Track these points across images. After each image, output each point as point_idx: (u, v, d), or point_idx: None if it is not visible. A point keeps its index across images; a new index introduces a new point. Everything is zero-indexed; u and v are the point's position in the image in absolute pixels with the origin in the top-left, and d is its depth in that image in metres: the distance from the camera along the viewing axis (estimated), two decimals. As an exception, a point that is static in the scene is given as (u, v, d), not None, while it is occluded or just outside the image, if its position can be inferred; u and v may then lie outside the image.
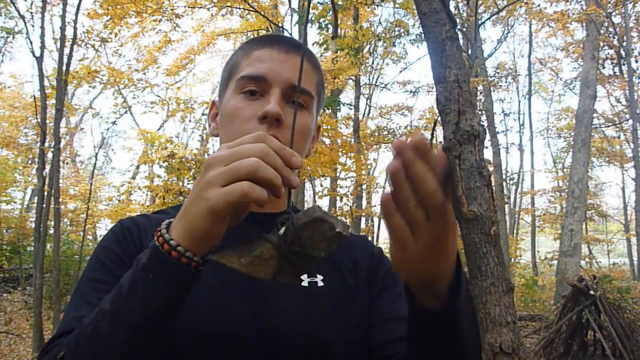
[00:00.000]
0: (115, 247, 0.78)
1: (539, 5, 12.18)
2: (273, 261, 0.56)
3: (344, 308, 0.80)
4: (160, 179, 9.33)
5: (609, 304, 6.31)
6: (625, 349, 5.95)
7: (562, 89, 19.14)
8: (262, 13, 8.96)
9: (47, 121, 8.34)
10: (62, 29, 8.07)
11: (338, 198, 11.51)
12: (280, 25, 10.20)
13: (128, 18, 8.54)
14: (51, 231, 8.68)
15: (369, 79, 17.17)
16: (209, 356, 0.71)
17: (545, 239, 20.79)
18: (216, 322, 0.73)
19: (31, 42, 8.63)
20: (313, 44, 9.95)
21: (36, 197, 9.84)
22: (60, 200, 8.52)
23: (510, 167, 24.53)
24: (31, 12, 8.96)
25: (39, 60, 8.16)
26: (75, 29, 8.09)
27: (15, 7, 8.95)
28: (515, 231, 19.20)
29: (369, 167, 14.73)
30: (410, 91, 17.95)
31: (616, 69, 13.75)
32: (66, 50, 8.04)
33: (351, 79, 12.14)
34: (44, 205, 7.94)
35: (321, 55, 9.74)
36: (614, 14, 11.79)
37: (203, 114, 10.94)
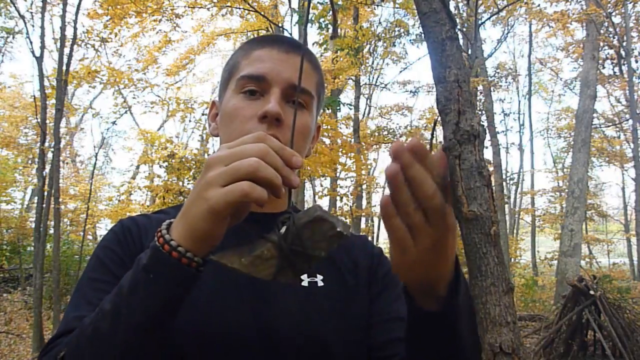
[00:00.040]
0: (115, 247, 0.78)
1: (539, 5, 12.19)
2: (274, 261, 0.56)
3: (344, 308, 0.80)
4: (160, 179, 9.33)
5: (609, 304, 6.31)
6: (625, 349, 5.95)
7: (562, 89, 19.17)
8: (262, 13, 8.96)
9: (47, 121, 8.34)
10: (62, 29, 8.07)
11: (338, 198, 11.51)
12: (280, 25, 10.20)
13: (128, 18, 8.54)
14: (51, 231, 8.68)
15: (369, 79, 17.17)
16: (209, 356, 0.71)
17: (545, 239, 20.79)
18: (216, 322, 0.73)
19: (31, 42, 8.64)
20: (313, 44, 9.96)
21: (36, 197, 9.84)
22: (60, 200, 8.52)
23: (510, 167, 24.54)
24: (31, 12, 8.97)
25: (39, 60, 8.17)
26: (75, 29, 8.09)
27: (15, 7, 8.95)
28: (515, 231, 19.19)
29: (369, 167, 14.73)
30: (410, 91, 17.96)
31: (616, 69, 13.75)
32: (66, 50, 8.04)
33: (351, 79, 12.14)
34: (44, 205, 7.94)
35: (321, 55, 9.74)
36: (614, 14, 11.79)
37: (203, 114, 10.94)
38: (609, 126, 17.93)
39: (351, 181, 11.85)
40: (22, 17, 8.69)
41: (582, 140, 10.28)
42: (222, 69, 0.92)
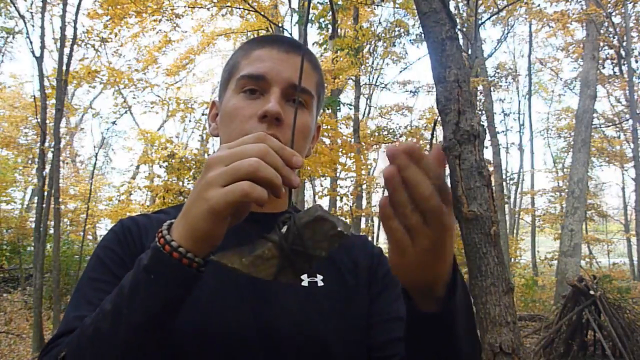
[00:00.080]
0: (115, 247, 0.78)
1: (539, 5, 12.20)
2: (274, 261, 0.56)
3: (343, 308, 0.81)
4: (160, 179, 9.33)
5: (609, 304, 6.32)
6: (625, 349, 5.95)
7: (562, 89, 19.17)
8: (262, 13, 8.96)
9: (47, 121, 8.35)
10: (62, 29, 8.08)
11: (338, 198, 11.52)
12: (280, 25, 10.20)
13: (128, 18, 8.54)
14: (51, 231, 8.68)
15: (369, 79, 17.18)
16: (210, 356, 0.71)
17: (545, 239, 20.79)
18: (217, 322, 0.73)
19: (31, 42, 8.65)
20: (313, 44, 9.96)
21: (36, 197, 9.84)
22: (60, 200, 8.52)
23: (510, 167, 24.56)
24: (31, 12, 8.97)
25: (39, 60, 8.17)
26: (75, 29, 8.10)
27: (15, 7, 8.96)
28: (515, 231, 19.20)
29: (369, 167, 14.72)
30: (410, 91, 17.96)
31: (616, 69, 13.76)
32: (66, 50, 8.05)
33: (351, 79, 12.15)
34: (44, 205, 7.94)
35: (321, 55, 9.74)
36: (614, 14, 11.79)
37: (203, 114, 10.94)
38: (609, 126, 17.94)
39: (351, 181, 11.87)
40: (22, 17, 8.69)
41: (582, 140, 10.29)
42: (222, 69, 0.92)
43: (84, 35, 8.63)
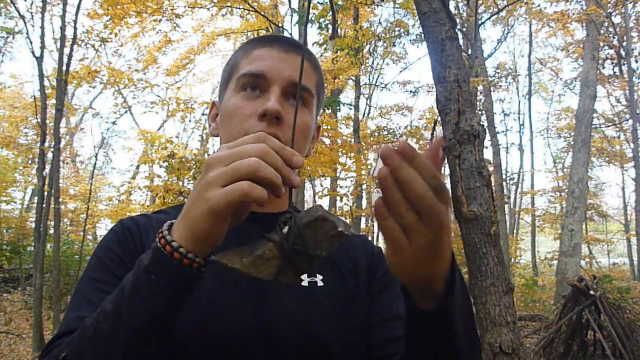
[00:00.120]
0: (115, 247, 0.78)
1: (539, 5, 12.20)
2: (275, 261, 0.56)
3: (343, 308, 0.81)
4: (160, 179, 9.33)
5: (609, 304, 6.32)
6: (625, 349, 5.95)
7: (562, 89, 19.19)
8: (262, 13, 8.96)
9: (47, 121, 8.35)
10: (62, 29, 8.08)
11: (338, 198, 11.52)
12: (280, 25, 10.21)
13: (128, 18, 8.54)
14: (51, 231, 8.68)
15: (369, 79, 17.17)
16: (210, 356, 0.71)
17: (545, 239, 20.80)
18: (217, 322, 0.73)
19: (31, 42, 8.67)
20: (313, 44, 9.96)
21: (36, 197, 9.84)
22: (60, 200, 8.52)
23: (510, 167, 24.58)
24: (31, 12, 8.97)
25: (39, 60, 8.17)
26: (75, 29, 8.11)
27: (15, 7, 8.96)
28: (515, 231, 19.20)
29: (369, 167, 14.71)
30: (410, 91, 17.96)
31: (616, 69, 13.76)
32: (66, 50, 8.05)
33: (351, 79, 12.15)
34: (44, 205, 7.95)
35: (321, 55, 9.75)
36: (614, 14, 11.80)
37: (203, 114, 10.95)
38: (609, 126, 17.94)
39: (351, 181, 11.86)
40: (22, 17, 8.69)
41: (582, 140, 10.29)
42: (222, 69, 0.92)
43: (84, 35, 8.64)
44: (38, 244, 7.83)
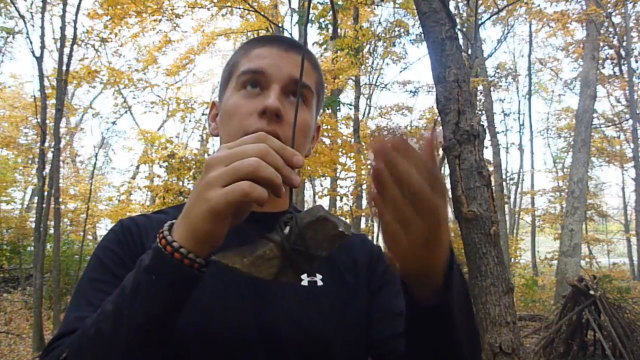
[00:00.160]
0: (115, 247, 0.78)
1: (539, 5, 12.20)
2: (276, 261, 0.56)
3: (343, 306, 0.81)
4: (160, 179, 9.33)
5: (609, 304, 6.32)
6: (625, 349, 5.95)
7: (562, 89, 19.19)
8: (262, 13, 8.96)
9: (47, 121, 8.35)
10: (62, 29, 8.08)
11: (338, 198, 11.52)
12: (280, 25, 10.21)
13: (128, 18, 8.54)
14: (51, 231, 8.68)
15: (369, 79, 17.17)
16: (211, 356, 0.71)
17: (545, 239, 20.79)
18: (217, 322, 0.73)
19: (31, 42, 8.69)
20: (313, 44, 9.96)
21: (36, 197, 9.84)
22: (60, 200, 8.52)
23: (510, 167, 24.60)
24: (31, 12, 8.97)
25: (39, 60, 8.17)
26: (75, 29, 8.11)
27: (15, 7, 8.96)
28: (515, 231, 19.20)
29: (369, 167, 14.71)
30: (410, 91, 17.96)
31: (616, 69, 13.76)
32: (66, 50, 8.05)
33: (351, 79, 12.14)
34: (44, 205, 7.95)
35: (321, 55, 9.75)
36: (614, 14, 11.79)
37: (203, 114, 10.95)
38: (609, 126, 17.94)
39: (351, 181, 11.85)
40: (22, 17, 8.69)
41: (582, 140, 10.29)
42: (222, 69, 0.92)
43: (84, 35, 8.64)
44: (38, 244, 7.83)
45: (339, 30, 9.47)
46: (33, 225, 9.65)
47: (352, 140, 10.25)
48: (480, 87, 11.65)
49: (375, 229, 16.17)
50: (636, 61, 12.48)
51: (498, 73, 16.91)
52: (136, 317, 0.57)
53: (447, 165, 3.04)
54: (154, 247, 0.58)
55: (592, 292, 6.34)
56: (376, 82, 18.00)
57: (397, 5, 11.70)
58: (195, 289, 0.59)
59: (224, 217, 0.55)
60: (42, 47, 8.29)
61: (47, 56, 12.17)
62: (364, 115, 16.24)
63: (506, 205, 16.32)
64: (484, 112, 12.17)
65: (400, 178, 0.49)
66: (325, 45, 9.91)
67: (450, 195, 2.87)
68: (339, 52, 9.19)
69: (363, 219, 14.79)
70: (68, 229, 14.82)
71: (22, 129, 15.73)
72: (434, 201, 0.50)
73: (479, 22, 10.20)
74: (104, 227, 15.22)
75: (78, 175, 17.97)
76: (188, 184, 8.99)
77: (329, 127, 8.62)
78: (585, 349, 6.49)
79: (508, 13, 13.54)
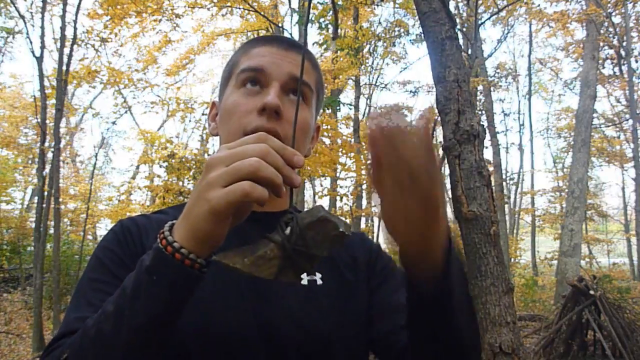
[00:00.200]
0: (115, 247, 0.78)
1: (539, 5, 12.20)
2: (276, 261, 0.56)
3: (343, 304, 0.81)
4: (160, 179, 9.33)
5: (609, 304, 6.32)
6: (625, 349, 5.95)
7: (562, 89, 19.19)
8: (262, 13, 8.96)
9: (47, 121, 8.36)
10: (62, 29, 8.09)
11: (338, 198, 11.51)
12: (280, 25, 10.21)
13: (128, 18, 8.54)
14: (51, 231, 8.69)
15: (369, 79, 17.16)
16: (211, 356, 0.71)
17: (545, 239, 20.79)
18: (218, 322, 0.73)
19: (31, 42, 8.71)
20: (313, 44, 9.96)
21: (36, 197, 9.84)
22: (60, 200, 8.53)
23: (510, 167, 24.61)
24: (31, 12, 8.98)
25: (39, 60, 8.18)
26: (75, 29, 8.12)
27: (15, 7, 8.96)
28: (515, 231, 19.20)
29: (369, 167, 14.70)
30: (410, 91, 17.97)
31: (616, 69, 13.77)
32: (66, 50, 8.06)
33: (351, 79, 12.15)
34: (44, 205, 7.95)
35: (321, 56, 9.75)
36: (614, 14, 11.80)
37: (203, 114, 10.94)
38: (609, 126, 17.95)
39: (351, 181, 11.85)
40: (22, 17, 8.70)
41: (582, 140, 10.29)
42: (222, 69, 0.92)
43: (84, 35, 8.65)
44: (38, 244, 7.83)
45: (339, 30, 9.47)
46: (33, 225, 9.66)
47: (352, 140, 10.25)
48: (480, 87, 11.65)
49: (375, 229, 16.18)
50: (636, 61, 12.49)
51: (498, 73, 16.92)
52: (137, 317, 0.57)
53: (447, 165, 3.04)
54: (154, 247, 0.58)
55: (592, 292, 6.34)
56: (376, 82, 18.00)
57: (397, 5, 11.71)
58: (196, 289, 0.59)
59: (225, 217, 0.55)
60: (42, 47, 8.30)
61: (47, 56, 12.17)
62: (364, 115, 16.23)
63: (506, 205, 16.32)
64: (484, 112, 12.18)
65: (396, 161, 0.52)
66: (325, 45, 9.92)
67: (451, 195, 2.88)
68: (339, 52, 9.19)
69: (363, 219, 14.79)
70: (68, 229, 14.82)
71: (22, 129, 15.74)
72: (429, 165, 0.52)
73: (479, 22, 10.20)
74: (104, 227, 15.24)
75: (78, 175, 17.97)
76: (188, 184, 8.99)
77: (329, 127, 8.61)
78: (585, 349, 6.49)
79: (508, 13, 13.54)
